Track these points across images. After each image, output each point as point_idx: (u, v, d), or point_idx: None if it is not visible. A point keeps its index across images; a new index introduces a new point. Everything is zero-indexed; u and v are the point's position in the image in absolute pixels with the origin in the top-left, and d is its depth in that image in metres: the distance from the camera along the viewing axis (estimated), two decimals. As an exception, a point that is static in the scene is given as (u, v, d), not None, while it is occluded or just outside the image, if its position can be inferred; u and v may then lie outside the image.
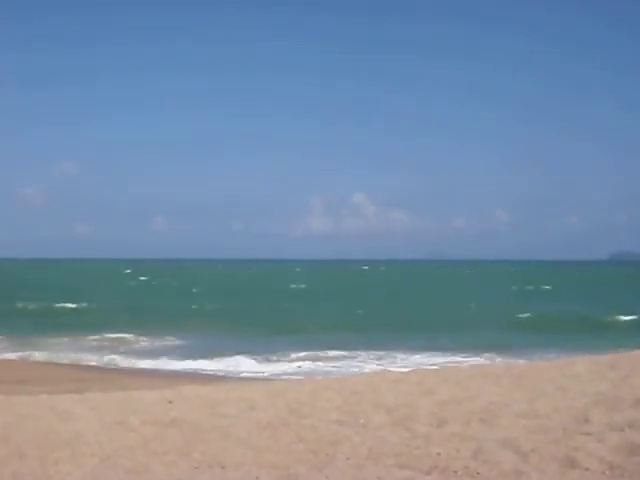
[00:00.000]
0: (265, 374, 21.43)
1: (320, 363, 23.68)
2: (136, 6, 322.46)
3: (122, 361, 25.13)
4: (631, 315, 37.30)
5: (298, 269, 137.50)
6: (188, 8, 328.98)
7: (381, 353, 25.47)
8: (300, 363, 23.70)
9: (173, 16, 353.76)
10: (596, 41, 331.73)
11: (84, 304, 47.97)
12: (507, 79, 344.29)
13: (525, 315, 39.76)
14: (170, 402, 9.41)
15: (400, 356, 24.73)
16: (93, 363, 24.77)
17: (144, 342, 30.02)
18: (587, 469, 5.72)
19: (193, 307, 46.14)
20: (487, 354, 24.42)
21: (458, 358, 23.72)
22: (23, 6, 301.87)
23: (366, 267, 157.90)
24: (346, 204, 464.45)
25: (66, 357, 26.12)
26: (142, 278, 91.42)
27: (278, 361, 24.26)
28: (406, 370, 15.32)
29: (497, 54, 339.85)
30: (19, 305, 45.88)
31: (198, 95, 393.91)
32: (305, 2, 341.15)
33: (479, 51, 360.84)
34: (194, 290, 65.05)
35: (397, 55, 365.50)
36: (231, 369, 22.92)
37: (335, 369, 22.13)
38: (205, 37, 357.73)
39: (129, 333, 32.37)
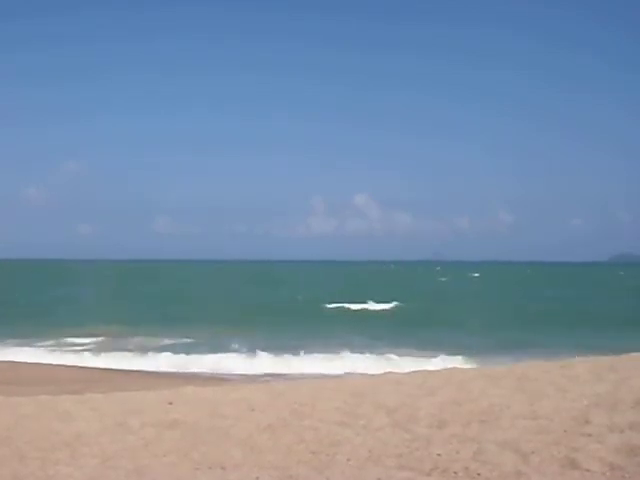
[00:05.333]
0: (266, 375, 21.41)
1: (320, 364, 23.68)
2: (139, 5, 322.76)
3: (122, 362, 25.12)
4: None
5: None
6: (190, 8, 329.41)
7: (381, 354, 25.44)
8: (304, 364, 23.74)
9: (175, 16, 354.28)
10: (600, 40, 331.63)
11: (83, 304, 48.02)
12: (509, 79, 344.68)
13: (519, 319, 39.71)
14: (170, 403, 9.41)
15: (401, 357, 24.70)
16: (93, 364, 24.75)
17: (145, 343, 30.00)
18: (587, 470, 5.72)
19: (191, 308, 46.12)
20: (487, 356, 24.38)
21: (459, 360, 23.68)
22: (24, 5, 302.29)
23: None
24: (348, 205, 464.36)
25: (66, 358, 26.12)
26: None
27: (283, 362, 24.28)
28: (407, 371, 15.31)
29: (499, 54, 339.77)
30: (19, 305, 45.97)
31: (199, 95, 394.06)
32: (306, 2, 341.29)
33: (480, 51, 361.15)
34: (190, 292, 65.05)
35: (398, 55, 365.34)
36: (232, 370, 22.94)
37: (336, 370, 22.12)
38: (206, 37, 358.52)
39: (129, 334, 32.39)
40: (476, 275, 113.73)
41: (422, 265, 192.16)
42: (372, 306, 47.95)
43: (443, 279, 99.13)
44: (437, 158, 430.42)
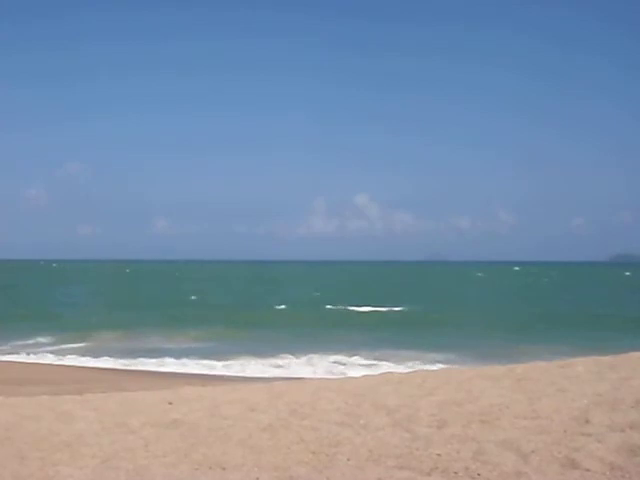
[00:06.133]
0: (266, 375, 21.41)
1: (321, 364, 23.69)
2: (141, 5, 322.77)
3: (122, 362, 25.13)
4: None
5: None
6: (190, 9, 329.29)
7: (381, 354, 25.46)
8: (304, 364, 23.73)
9: (175, 17, 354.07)
10: (599, 40, 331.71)
11: (83, 305, 48.06)
12: (509, 79, 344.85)
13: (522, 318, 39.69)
14: (170, 403, 9.40)
15: (401, 358, 24.71)
16: (93, 364, 24.76)
17: (144, 343, 30.01)
18: (588, 470, 5.72)
19: (191, 309, 46.13)
20: (488, 356, 24.39)
21: (458, 360, 23.70)
22: (24, 5, 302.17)
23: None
24: (349, 205, 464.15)
25: (66, 358, 26.13)
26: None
27: (280, 364, 24.25)
28: (407, 371, 15.31)
29: (499, 54, 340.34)
30: (19, 306, 45.99)
31: (199, 96, 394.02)
32: (306, 2, 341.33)
33: (480, 51, 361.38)
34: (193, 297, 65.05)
35: (399, 55, 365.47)
36: (232, 370, 22.93)
37: (336, 370, 22.13)
38: (207, 37, 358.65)
39: (128, 334, 32.41)
40: (479, 275, 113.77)
41: (422, 265, 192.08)
42: (373, 308, 47.92)
43: (444, 279, 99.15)
44: (437, 158, 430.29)
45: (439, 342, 28.46)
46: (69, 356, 26.62)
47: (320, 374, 20.88)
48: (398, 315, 43.54)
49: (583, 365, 11.18)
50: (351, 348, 26.81)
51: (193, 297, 58.28)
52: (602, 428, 6.82)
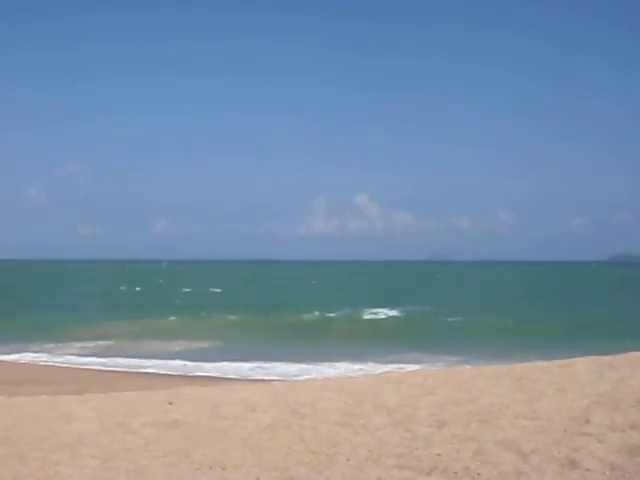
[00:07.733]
0: (265, 377, 21.40)
1: (321, 365, 23.67)
2: (141, 5, 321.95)
3: (122, 362, 25.11)
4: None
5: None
6: (190, 9, 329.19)
7: (383, 356, 25.43)
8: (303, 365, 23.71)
9: (175, 17, 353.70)
10: (599, 40, 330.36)
11: (83, 305, 48.04)
12: (509, 79, 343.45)
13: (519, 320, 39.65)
14: (170, 403, 9.41)
15: (403, 359, 24.69)
16: (93, 364, 24.74)
17: (145, 344, 29.99)
18: (588, 470, 5.72)
19: (191, 310, 46.12)
20: (488, 356, 24.37)
21: (460, 361, 23.68)
22: (24, 5, 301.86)
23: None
24: (349, 205, 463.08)
25: (66, 358, 26.12)
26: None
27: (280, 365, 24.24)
28: (407, 371, 15.33)
29: (499, 54, 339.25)
30: (19, 306, 45.97)
31: (200, 95, 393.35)
32: (306, 2, 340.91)
33: (480, 51, 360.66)
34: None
35: (399, 55, 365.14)
36: (232, 372, 22.92)
37: (338, 372, 22.12)
38: (207, 37, 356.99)
39: (128, 334, 32.39)
40: (476, 275, 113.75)
41: (422, 266, 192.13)
42: (375, 309, 47.76)
43: (440, 277, 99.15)
44: (437, 158, 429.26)
45: (441, 343, 28.41)
46: (69, 356, 26.60)
47: (322, 375, 20.83)
48: (401, 316, 43.48)
49: (583, 365, 11.18)
50: (354, 349, 26.78)
51: (193, 298, 58.26)
52: (602, 428, 6.83)
